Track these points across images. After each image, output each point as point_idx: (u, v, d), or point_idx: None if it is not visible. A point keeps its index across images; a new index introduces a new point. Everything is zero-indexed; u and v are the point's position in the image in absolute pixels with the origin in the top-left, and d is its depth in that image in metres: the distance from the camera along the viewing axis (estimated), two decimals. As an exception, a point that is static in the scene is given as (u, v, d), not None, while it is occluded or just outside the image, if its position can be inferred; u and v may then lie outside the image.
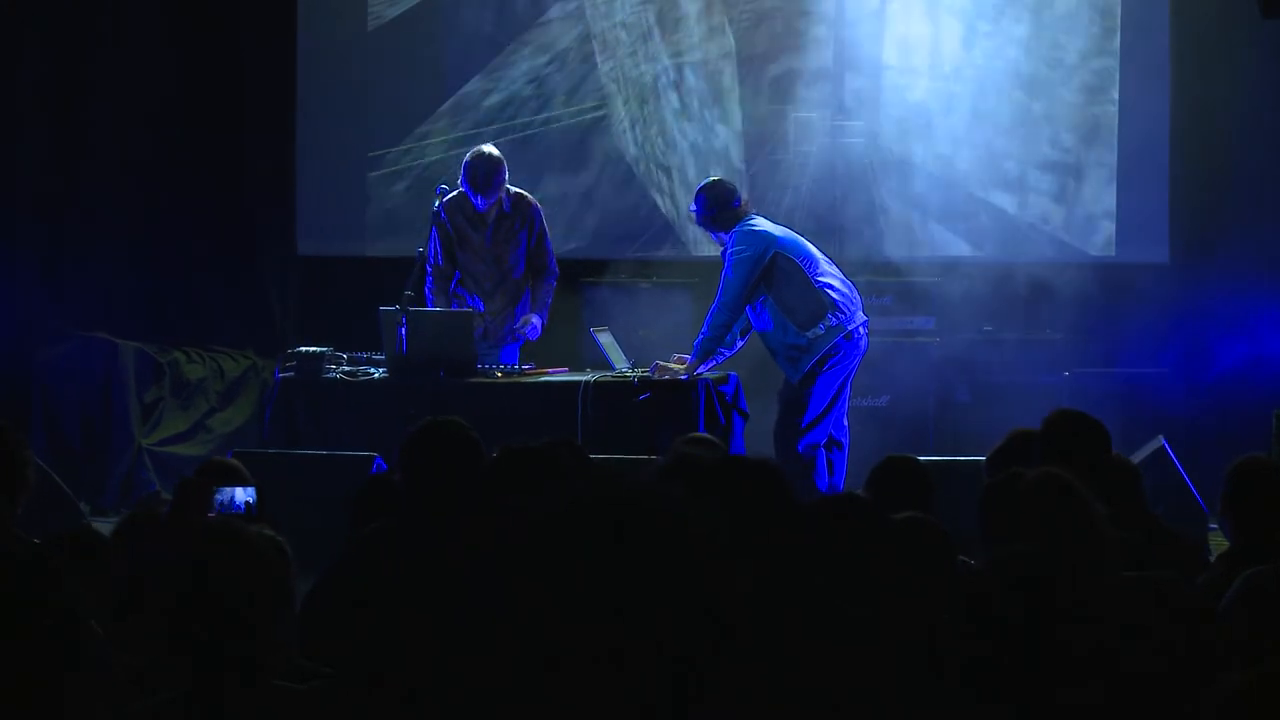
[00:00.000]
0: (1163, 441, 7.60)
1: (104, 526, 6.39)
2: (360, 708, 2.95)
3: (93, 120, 10.15)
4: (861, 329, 7.86)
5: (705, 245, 9.30)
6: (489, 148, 8.19)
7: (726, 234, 7.85)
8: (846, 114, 10.04)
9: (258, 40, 10.39)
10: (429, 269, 8.20)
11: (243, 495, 4.28)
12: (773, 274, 7.76)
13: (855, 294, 7.92)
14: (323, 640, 3.77)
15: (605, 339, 8.14)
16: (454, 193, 8.22)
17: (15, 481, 4.42)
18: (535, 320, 8.21)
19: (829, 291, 7.77)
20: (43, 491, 4.66)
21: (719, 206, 7.86)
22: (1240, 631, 3.21)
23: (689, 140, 10.18)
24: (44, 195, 10.12)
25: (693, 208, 8.00)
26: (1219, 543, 5.69)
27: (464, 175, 8.07)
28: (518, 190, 8.28)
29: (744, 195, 8.00)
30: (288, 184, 10.45)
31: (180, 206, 10.20)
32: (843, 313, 7.77)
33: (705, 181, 8.04)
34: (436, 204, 8.20)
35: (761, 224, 7.90)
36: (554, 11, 10.30)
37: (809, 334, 7.73)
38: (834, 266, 7.95)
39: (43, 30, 10.04)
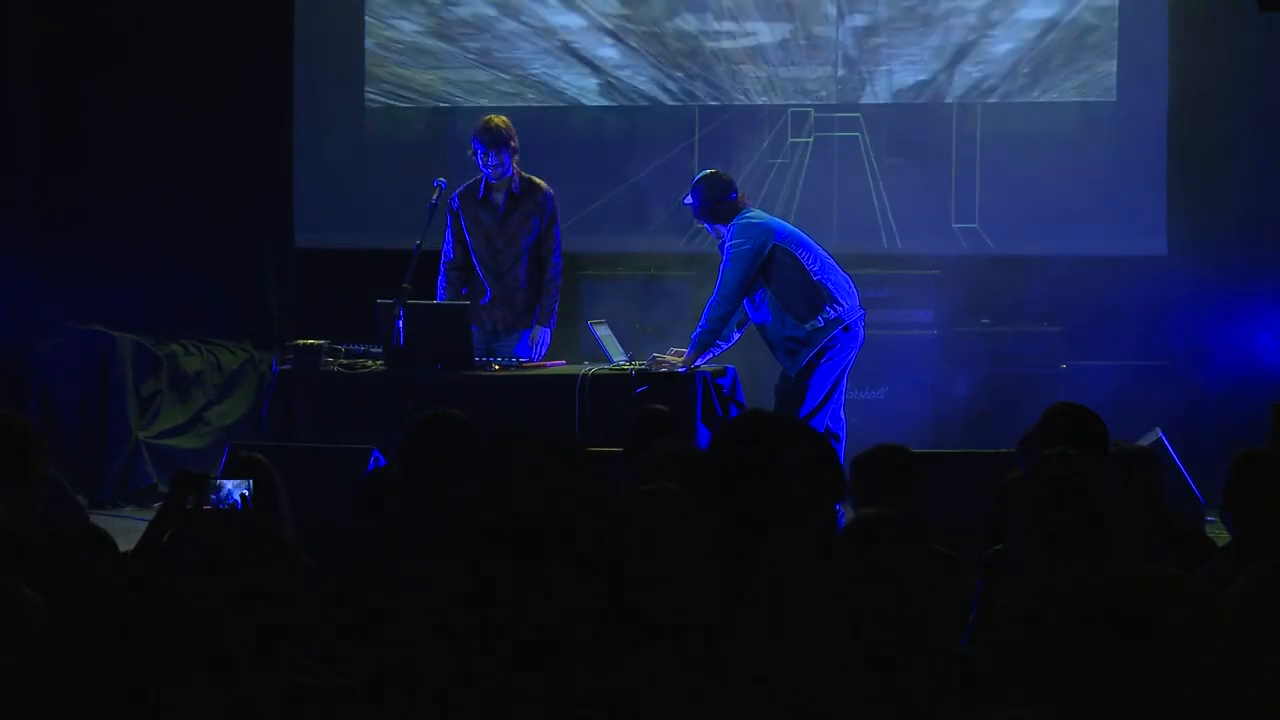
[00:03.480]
0: (1160, 434, 7.60)
1: (100, 519, 6.38)
2: (370, 708, 2.93)
3: (90, 112, 10.13)
4: (859, 322, 7.85)
5: (702, 238, 9.28)
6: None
7: (724, 226, 7.82)
8: (846, 105, 10.04)
9: (255, 32, 10.37)
10: (442, 264, 8.17)
11: (239, 488, 4.25)
12: (771, 267, 7.74)
13: (852, 287, 7.91)
14: (319, 634, 3.75)
15: (603, 332, 8.12)
16: (467, 183, 8.20)
17: (33, 478, 4.44)
18: (545, 336, 8.18)
19: (827, 284, 7.76)
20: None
21: (717, 198, 7.82)
22: (1245, 625, 3.19)
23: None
24: (41, 187, 10.10)
25: (689, 200, 7.95)
26: (1215, 535, 5.69)
27: (474, 137, 8.04)
28: (529, 175, 8.24)
29: (740, 187, 7.96)
30: (285, 176, 10.43)
31: (178, 198, 10.17)
32: (841, 305, 7.76)
33: (702, 173, 8.00)
34: (451, 196, 8.18)
35: (761, 216, 7.88)
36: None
37: (807, 326, 7.72)
38: (830, 259, 7.93)
39: (42, 26, 10.02)
